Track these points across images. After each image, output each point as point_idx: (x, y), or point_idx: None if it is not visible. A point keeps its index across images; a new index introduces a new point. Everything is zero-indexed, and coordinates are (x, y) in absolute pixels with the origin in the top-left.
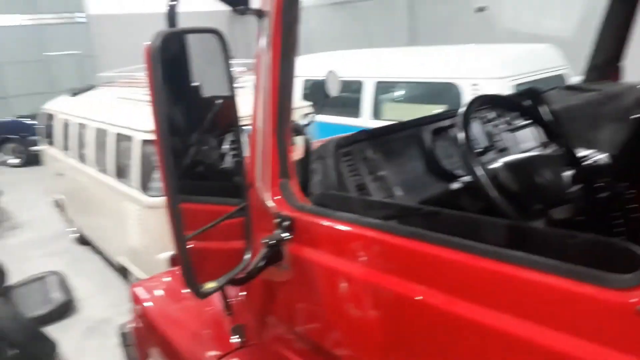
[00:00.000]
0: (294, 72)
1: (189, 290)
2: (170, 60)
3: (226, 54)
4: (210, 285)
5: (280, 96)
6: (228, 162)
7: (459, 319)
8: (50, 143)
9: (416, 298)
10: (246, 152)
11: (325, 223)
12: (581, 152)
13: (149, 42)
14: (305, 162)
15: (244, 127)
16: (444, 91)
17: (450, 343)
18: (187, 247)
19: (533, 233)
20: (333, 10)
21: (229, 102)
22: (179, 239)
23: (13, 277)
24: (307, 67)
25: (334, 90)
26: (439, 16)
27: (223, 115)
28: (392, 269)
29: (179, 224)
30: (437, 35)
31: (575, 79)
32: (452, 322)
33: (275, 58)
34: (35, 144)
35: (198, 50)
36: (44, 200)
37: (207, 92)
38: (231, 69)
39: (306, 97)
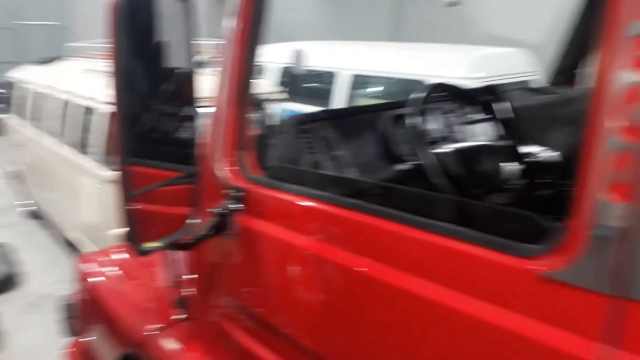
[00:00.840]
0: (258, 45)
1: (130, 245)
2: (133, 19)
3: (191, 25)
4: (152, 244)
5: (243, 68)
6: (183, 131)
7: (392, 287)
8: (13, 112)
9: (359, 269)
10: (203, 124)
11: (277, 195)
12: (528, 149)
13: None
14: (263, 136)
15: (201, 105)
16: (413, 88)
17: (386, 312)
18: (133, 205)
19: (460, 205)
20: (321, 1)
21: (189, 73)
22: (126, 195)
23: None
24: (285, 55)
25: (299, 67)
26: (424, 14)
27: (182, 86)
28: (337, 240)
29: (127, 182)
30: (421, 33)
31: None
32: (388, 291)
33: (241, 29)
34: None
35: (164, 16)
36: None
37: (169, 60)
38: (194, 42)
39: (283, 84)
